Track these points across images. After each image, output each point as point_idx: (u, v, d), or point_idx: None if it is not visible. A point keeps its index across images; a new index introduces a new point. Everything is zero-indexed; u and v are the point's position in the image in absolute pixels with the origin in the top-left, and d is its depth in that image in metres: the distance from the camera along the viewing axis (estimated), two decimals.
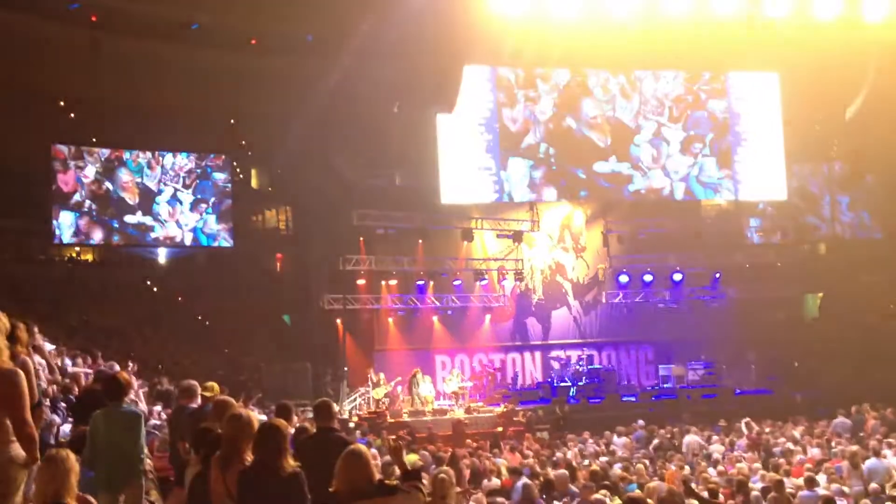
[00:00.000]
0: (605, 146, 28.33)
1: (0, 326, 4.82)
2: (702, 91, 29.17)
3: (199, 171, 27.10)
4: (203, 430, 5.99)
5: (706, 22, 25.46)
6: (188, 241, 26.94)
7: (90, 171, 25.77)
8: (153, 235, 26.50)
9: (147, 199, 26.32)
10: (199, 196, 26.98)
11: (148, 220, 26.29)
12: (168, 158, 26.73)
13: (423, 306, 26.89)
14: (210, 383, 8.71)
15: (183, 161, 26.91)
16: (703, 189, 29.22)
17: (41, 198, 25.39)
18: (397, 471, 5.68)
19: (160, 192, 26.48)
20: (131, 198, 26.16)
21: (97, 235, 25.93)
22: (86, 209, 25.62)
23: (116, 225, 26.06)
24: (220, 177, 27.36)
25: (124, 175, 26.12)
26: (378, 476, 5.04)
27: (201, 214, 26.94)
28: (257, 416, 5.61)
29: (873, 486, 12.07)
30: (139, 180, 26.26)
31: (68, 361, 12.08)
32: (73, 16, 22.30)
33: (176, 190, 26.67)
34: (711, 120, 29.15)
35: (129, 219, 26.12)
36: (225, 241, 27.15)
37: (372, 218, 25.86)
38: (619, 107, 28.49)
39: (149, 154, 26.47)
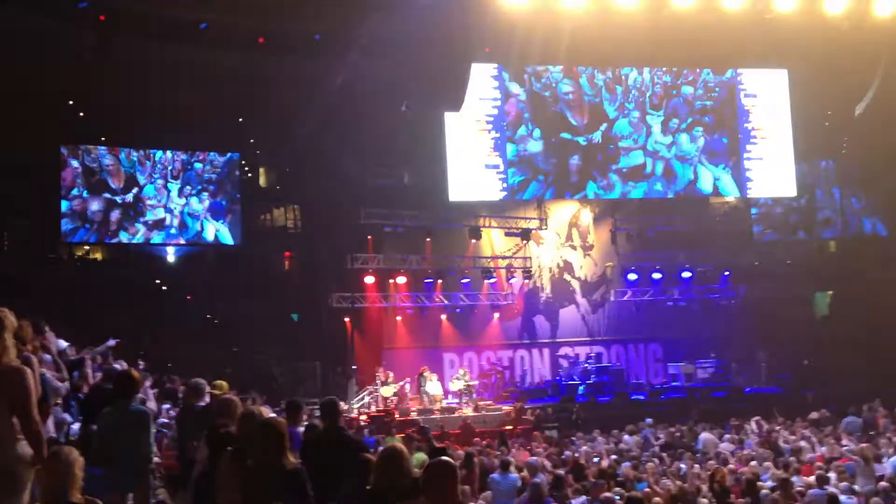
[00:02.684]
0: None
1: (7, 324, 4.82)
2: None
3: (187, 165, 27.18)
4: (214, 427, 5.99)
5: (714, 17, 25.35)
6: (175, 224, 26.86)
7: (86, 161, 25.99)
8: (143, 219, 26.49)
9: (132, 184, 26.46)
10: (184, 184, 27.05)
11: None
12: (158, 155, 26.85)
13: (432, 304, 26.90)
14: (219, 381, 8.74)
15: (169, 157, 27.02)
16: (682, 165, 28.78)
17: (49, 198, 25.48)
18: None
19: (148, 184, 26.61)
20: (116, 183, 26.23)
21: (94, 206, 25.92)
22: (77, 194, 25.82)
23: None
24: (199, 167, 27.33)
25: (109, 160, 26.26)
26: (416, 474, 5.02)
27: (186, 198, 26.95)
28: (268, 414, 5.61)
29: (883, 484, 12.01)
30: (129, 171, 26.40)
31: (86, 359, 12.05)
32: (82, 15, 22.30)
33: (165, 182, 26.78)
34: (686, 104, 28.93)
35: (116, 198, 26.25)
36: (209, 223, 27.09)
37: (380, 216, 25.87)
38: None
39: (140, 152, 26.59)
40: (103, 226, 26.09)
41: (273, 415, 8.56)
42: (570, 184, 27.96)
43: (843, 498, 11.02)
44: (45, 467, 4.49)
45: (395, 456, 4.88)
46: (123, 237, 26.42)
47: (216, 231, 27.23)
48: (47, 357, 8.49)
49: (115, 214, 26.14)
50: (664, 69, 28.58)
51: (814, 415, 20.05)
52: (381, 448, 5.09)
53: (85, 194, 25.90)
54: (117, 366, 10.73)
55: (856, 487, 12.11)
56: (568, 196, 28.38)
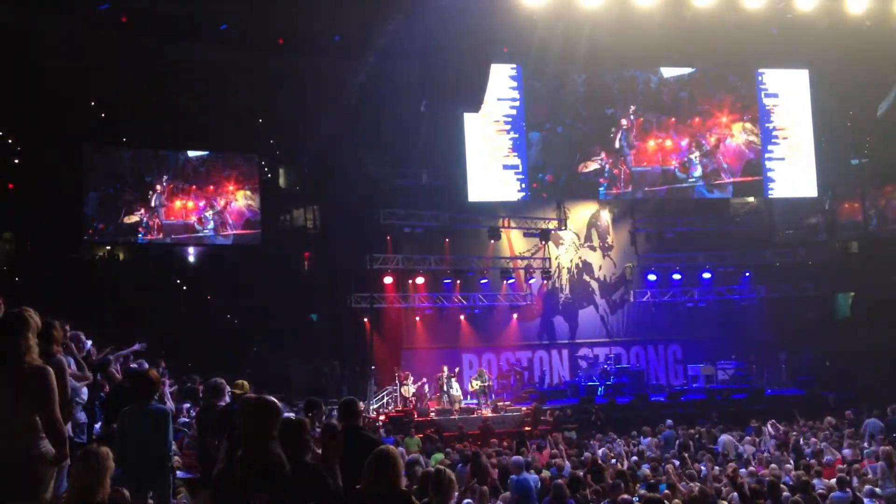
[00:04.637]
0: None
1: (32, 324, 4.85)
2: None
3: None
4: (234, 427, 6.01)
5: (735, 17, 25.19)
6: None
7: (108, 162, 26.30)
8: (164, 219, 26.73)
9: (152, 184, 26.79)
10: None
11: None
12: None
13: (450, 305, 26.89)
14: (240, 381, 8.77)
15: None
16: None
17: (71, 198, 25.69)
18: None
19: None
20: (137, 183, 26.53)
21: (115, 206, 26.23)
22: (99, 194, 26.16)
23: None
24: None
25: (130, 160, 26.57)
26: (404, 483, 5.02)
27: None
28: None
29: None
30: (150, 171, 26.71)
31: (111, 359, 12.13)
32: (103, 16, 22.48)
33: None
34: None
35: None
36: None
37: (399, 217, 25.89)
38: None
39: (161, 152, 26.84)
40: (124, 226, 26.28)
41: (291, 415, 8.59)
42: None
43: (865, 501, 10.93)
44: (77, 467, 4.53)
45: (382, 459, 4.88)
46: (144, 237, 26.60)
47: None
48: (70, 359, 8.55)
49: (136, 214, 26.33)
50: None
51: (830, 419, 19.88)
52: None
53: (107, 194, 26.12)
54: (135, 366, 10.81)
55: (878, 490, 12.01)
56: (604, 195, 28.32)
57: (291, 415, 8.00)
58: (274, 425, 4.84)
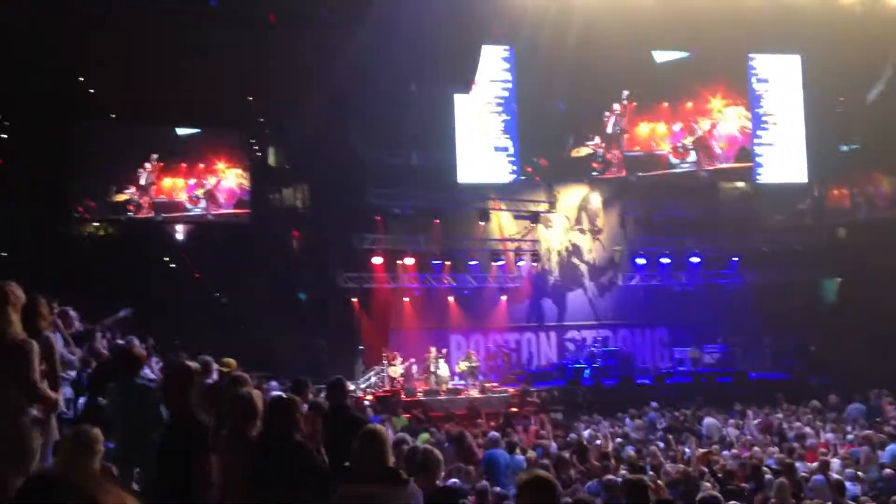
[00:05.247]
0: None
1: (12, 299, 4.84)
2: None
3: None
4: (220, 405, 6.03)
5: (728, 1, 25.19)
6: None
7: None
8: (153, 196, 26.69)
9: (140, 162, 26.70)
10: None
11: None
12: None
13: (439, 286, 26.93)
14: (227, 359, 8.78)
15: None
16: None
17: (60, 175, 25.55)
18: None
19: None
20: (125, 160, 26.48)
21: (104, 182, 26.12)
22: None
23: None
24: None
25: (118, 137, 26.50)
26: (392, 460, 5.06)
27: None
28: (260, 396, 5.65)
29: (888, 471, 12.03)
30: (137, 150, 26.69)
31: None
32: None
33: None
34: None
35: None
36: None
37: (388, 197, 25.87)
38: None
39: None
40: (113, 203, 26.18)
41: (280, 393, 8.62)
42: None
43: (847, 485, 11.05)
44: (65, 446, 4.54)
45: (371, 437, 4.92)
46: (135, 215, 26.50)
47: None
48: (58, 335, 8.54)
49: (125, 192, 26.23)
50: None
51: (814, 403, 20.05)
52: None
53: (95, 172, 25.99)
54: (121, 342, 10.82)
55: (860, 474, 12.13)
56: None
57: (282, 394, 8.03)
58: (192, 392, 4.89)
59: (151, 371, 10.91)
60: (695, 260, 28.56)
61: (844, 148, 30.84)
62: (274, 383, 13.19)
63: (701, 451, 13.64)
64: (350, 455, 4.93)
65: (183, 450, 4.67)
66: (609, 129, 28.21)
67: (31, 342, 4.76)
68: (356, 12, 23.17)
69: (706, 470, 11.67)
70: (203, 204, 27.22)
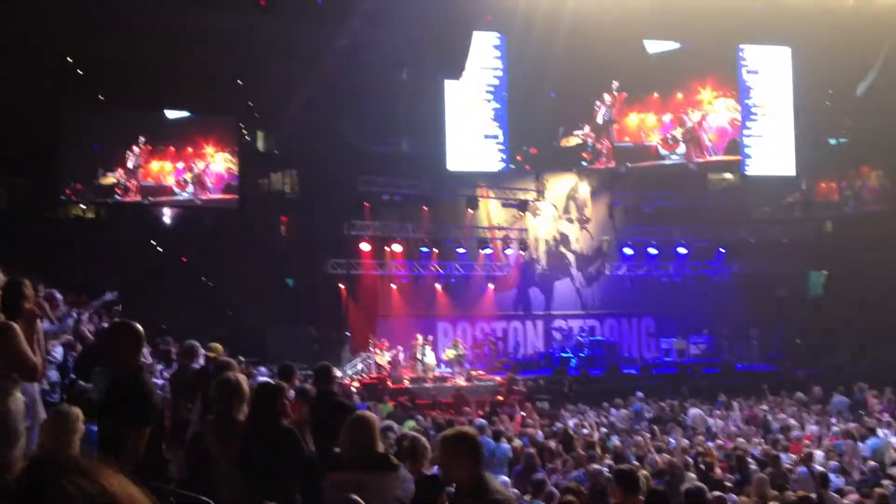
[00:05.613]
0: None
1: None
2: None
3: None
4: (206, 390, 6.02)
5: None
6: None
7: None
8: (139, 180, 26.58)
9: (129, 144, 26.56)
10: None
11: None
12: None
13: (427, 273, 26.92)
14: (213, 344, 8.76)
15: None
16: None
17: (47, 156, 25.39)
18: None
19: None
20: (113, 142, 26.30)
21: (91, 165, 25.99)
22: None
23: None
24: None
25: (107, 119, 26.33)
26: (382, 446, 5.07)
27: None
28: (246, 380, 5.63)
29: (871, 464, 12.12)
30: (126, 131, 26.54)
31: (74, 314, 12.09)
32: None
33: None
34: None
35: None
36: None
37: (378, 184, 25.81)
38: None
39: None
40: (101, 186, 26.04)
41: (267, 378, 8.61)
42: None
43: (832, 476, 11.13)
44: (47, 426, 4.52)
45: (361, 423, 4.93)
46: (122, 198, 26.37)
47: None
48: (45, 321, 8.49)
49: (112, 175, 26.08)
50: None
51: (799, 395, 20.18)
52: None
53: (83, 154, 25.83)
54: (108, 325, 10.76)
55: (844, 466, 12.22)
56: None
57: (269, 380, 8.02)
58: (134, 349, 4.78)
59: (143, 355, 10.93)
60: (682, 251, 28.64)
61: (833, 141, 30.96)
62: (262, 369, 13.19)
63: (702, 442, 13.70)
64: (339, 441, 4.93)
65: (118, 416, 4.51)
66: (599, 120, 28.22)
67: (12, 324, 4.72)
68: (348, 1, 23.06)
69: (690, 461, 11.73)
70: (191, 188, 27.10)
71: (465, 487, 4.07)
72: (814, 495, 9.17)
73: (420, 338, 24.06)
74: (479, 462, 4.10)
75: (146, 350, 11.54)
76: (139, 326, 4.88)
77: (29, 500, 1.12)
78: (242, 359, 12.83)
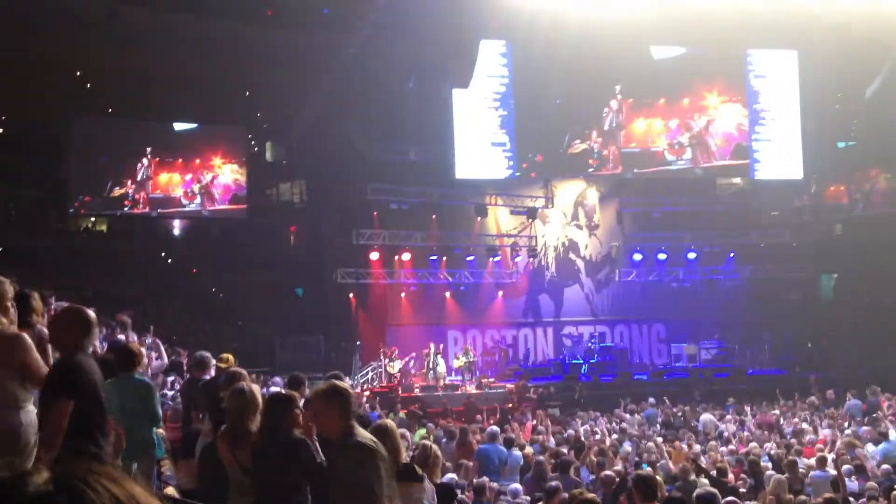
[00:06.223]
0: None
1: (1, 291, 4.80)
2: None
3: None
4: (218, 401, 6.02)
5: None
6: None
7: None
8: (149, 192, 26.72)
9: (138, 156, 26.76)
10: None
11: None
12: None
13: (436, 281, 26.90)
14: (225, 354, 8.76)
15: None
16: None
17: (57, 169, 25.54)
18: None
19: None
20: (123, 155, 26.52)
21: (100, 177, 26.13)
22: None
23: None
24: None
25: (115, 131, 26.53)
26: (406, 456, 5.07)
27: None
28: (259, 390, 5.63)
29: (886, 466, 12.04)
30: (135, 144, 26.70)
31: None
32: None
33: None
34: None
35: None
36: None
37: (386, 192, 25.82)
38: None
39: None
40: (110, 199, 26.16)
41: (281, 389, 8.60)
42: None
43: (846, 480, 11.04)
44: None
45: (384, 433, 4.92)
46: (130, 210, 26.47)
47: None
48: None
49: (122, 187, 26.19)
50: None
51: (812, 398, 20.09)
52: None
53: (92, 166, 25.96)
54: (120, 338, 10.80)
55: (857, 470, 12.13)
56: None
57: (280, 389, 8.01)
58: (81, 333, 4.71)
59: (157, 350, 11.79)
60: (692, 256, 28.57)
61: (841, 145, 30.88)
62: (277, 379, 13.18)
63: (678, 451, 13.64)
64: None
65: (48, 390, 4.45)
66: (606, 126, 28.21)
67: (23, 335, 4.73)
68: (355, 11, 23.10)
69: (703, 466, 11.67)
70: (199, 199, 27.19)
71: (335, 437, 4.34)
72: (828, 496, 9.10)
73: (432, 346, 24.01)
74: (348, 414, 4.36)
75: (157, 362, 11.60)
76: (91, 313, 4.84)
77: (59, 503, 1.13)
78: (254, 371, 12.89)
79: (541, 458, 11.32)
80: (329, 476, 4.40)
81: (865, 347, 25.65)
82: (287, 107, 26.84)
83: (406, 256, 26.56)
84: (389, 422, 5.18)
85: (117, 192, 26.18)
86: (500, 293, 28.20)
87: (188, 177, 27.15)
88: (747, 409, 19.21)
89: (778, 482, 9.80)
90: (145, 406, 6.58)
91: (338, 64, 24.79)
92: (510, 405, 21.71)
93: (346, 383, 4.60)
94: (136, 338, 11.09)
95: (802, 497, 10.03)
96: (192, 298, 25.93)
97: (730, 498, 8.42)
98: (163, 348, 12.57)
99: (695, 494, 7.65)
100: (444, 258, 26.77)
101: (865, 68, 27.59)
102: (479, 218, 26.95)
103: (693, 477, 10.33)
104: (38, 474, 1.15)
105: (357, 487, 4.17)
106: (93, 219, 27.90)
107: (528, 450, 12.90)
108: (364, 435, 4.34)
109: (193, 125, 27.52)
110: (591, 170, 28.39)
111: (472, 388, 23.23)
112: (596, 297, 29.29)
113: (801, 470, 11.34)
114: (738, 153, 28.81)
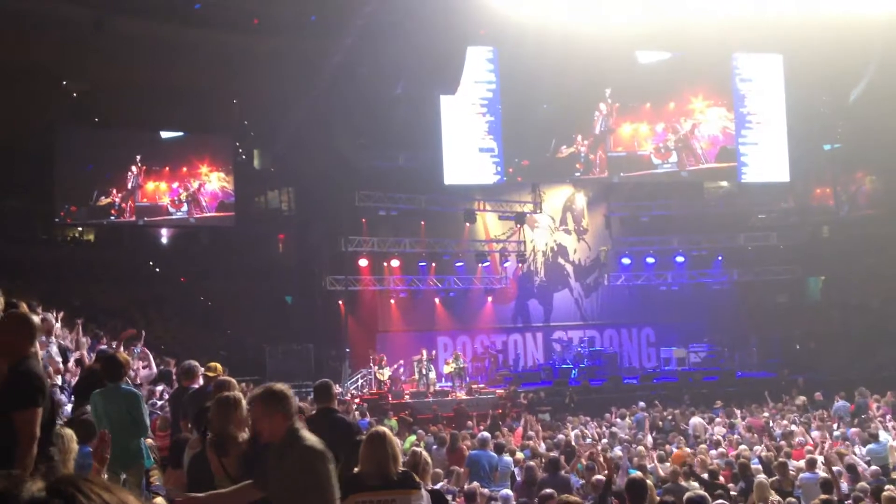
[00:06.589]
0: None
1: None
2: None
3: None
4: (205, 410, 6.00)
5: (710, 2, 25.28)
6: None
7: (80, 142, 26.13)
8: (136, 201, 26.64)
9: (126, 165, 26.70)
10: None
11: None
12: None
13: (426, 288, 26.88)
14: (213, 363, 8.72)
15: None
16: None
17: (44, 178, 25.41)
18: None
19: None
20: (109, 163, 26.41)
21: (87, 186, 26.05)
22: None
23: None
24: None
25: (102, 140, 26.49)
26: (402, 463, 5.04)
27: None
28: (243, 398, 5.61)
29: (874, 468, 12.08)
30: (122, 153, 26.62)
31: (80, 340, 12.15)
32: None
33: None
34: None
35: None
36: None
37: (374, 199, 25.79)
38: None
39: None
40: (97, 208, 26.06)
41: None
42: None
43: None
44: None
45: (381, 440, 4.89)
46: (117, 219, 26.37)
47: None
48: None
49: (109, 196, 26.10)
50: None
51: (799, 400, 20.14)
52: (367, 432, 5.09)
53: (79, 176, 25.86)
54: (104, 348, 10.78)
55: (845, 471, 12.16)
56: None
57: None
58: (27, 339, 4.65)
59: (146, 359, 12.02)
60: (680, 259, 28.66)
61: (827, 147, 31.04)
62: None
63: (680, 451, 13.65)
64: (360, 460, 4.88)
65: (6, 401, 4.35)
66: (597, 130, 28.27)
67: None
68: (342, 18, 23.11)
69: (693, 469, 11.69)
70: (186, 207, 27.11)
71: (279, 441, 4.25)
72: (824, 497, 9.12)
73: (424, 353, 23.97)
74: (290, 416, 4.30)
75: (144, 371, 11.59)
76: (35, 319, 4.80)
77: None
78: (243, 379, 12.88)
79: (531, 462, 11.31)
80: (270, 479, 4.28)
81: (853, 349, 25.77)
82: (274, 114, 26.78)
83: (395, 263, 26.54)
84: (384, 430, 5.14)
85: (103, 201, 26.07)
86: (490, 298, 28.21)
87: (175, 185, 27.07)
88: (737, 412, 19.24)
89: (760, 485, 9.81)
90: (132, 416, 6.55)
91: (325, 71, 24.79)
92: (500, 411, 21.68)
93: (285, 385, 4.56)
94: (126, 347, 11.12)
95: (791, 499, 10.05)
96: (180, 307, 25.83)
97: (719, 501, 8.44)
98: (151, 358, 12.65)
99: (685, 498, 7.66)
100: (434, 264, 26.76)
101: (850, 71, 27.74)
102: (467, 224, 26.94)
103: (682, 481, 10.33)
104: (33, 482, 1.16)
105: (310, 492, 4.11)
106: (80, 228, 27.78)
107: (519, 455, 12.88)
108: (310, 437, 4.28)
109: (180, 133, 27.44)
110: (577, 174, 28.48)
111: (462, 394, 23.21)
112: (585, 302, 29.34)
113: (791, 472, 11.36)
114: (723, 156, 28.92)
